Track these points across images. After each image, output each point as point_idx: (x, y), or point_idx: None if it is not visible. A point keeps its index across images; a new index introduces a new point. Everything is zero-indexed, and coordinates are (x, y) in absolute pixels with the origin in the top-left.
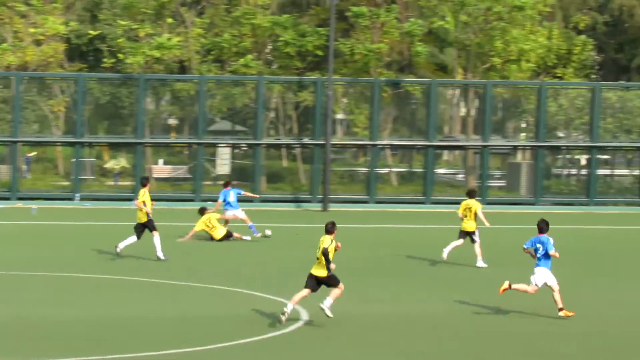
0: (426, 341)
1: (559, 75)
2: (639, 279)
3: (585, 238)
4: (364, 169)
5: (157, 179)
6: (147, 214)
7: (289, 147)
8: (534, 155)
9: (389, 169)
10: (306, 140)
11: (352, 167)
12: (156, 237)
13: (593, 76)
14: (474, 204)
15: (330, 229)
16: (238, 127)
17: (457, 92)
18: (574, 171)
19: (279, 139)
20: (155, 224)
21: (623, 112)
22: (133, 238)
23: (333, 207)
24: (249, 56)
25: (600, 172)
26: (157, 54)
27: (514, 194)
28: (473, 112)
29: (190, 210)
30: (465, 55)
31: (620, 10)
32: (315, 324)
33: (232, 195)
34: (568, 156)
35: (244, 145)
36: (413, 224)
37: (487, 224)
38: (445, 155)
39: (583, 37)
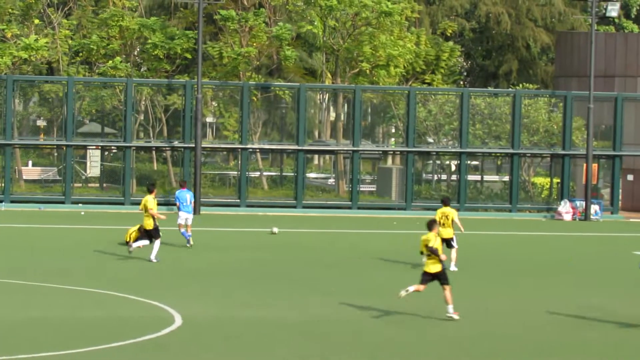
0: (296, 346)
1: (427, 81)
2: (506, 282)
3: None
4: (234, 173)
5: (27, 181)
6: (154, 221)
7: (159, 149)
8: (404, 160)
9: (259, 173)
10: (176, 143)
11: (223, 170)
12: (157, 243)
13: (461, 82)
14: (451, 212)
15: (431, 225)
16: (108, 130)
17: (327, 96)
18: (444, 177)
19: (149, 142)
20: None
21: (491, 119)
22: (146, 241)
23: (204, 211)
24: (118, 58)
25: (471, 177)
26: (24, 55)
27: (384, 198)
28: (343, 117)
29: (60, 212)
30: (334, 60)
31: (487, 17)
32: (189, 328)
33: (188, 197)
34: (438, 162)
35: (113, 147)
36: (286, 227)
37: (462, 230)
38: (316, 159)
39: (451, 43)
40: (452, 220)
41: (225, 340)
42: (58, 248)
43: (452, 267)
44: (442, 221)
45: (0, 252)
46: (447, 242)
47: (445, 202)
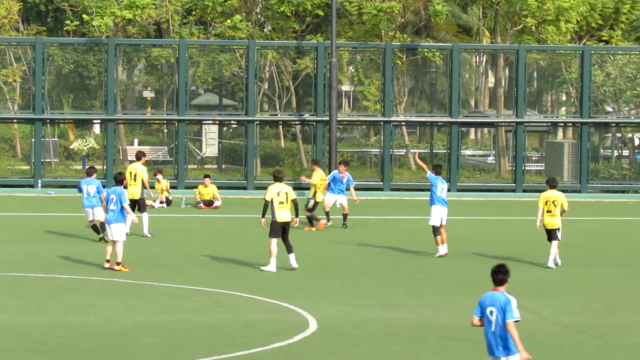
0: (448, 354)
1: (605, 38)
2: None
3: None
4: (376, 150)
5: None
6: (142, 193)
7: (286, 124)
8: (577, 133)
9: (406, 150)
10: (307, 116)
11: (363, 147)
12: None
13: None
14: (559, 197)
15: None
16: (226, 101)
17: (484, 58)
18: (625, 152)
19: (274, 115)
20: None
21: None
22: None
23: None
24: (237, 17)
25: None
26: (128, 14)
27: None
28: (504, 83)
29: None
30: (492, 15)
31: None
32: (324, 333)
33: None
34: (619, 135)
35: (233, 122)
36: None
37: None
38: (472, 133)
39: None
40: (561, 207)
41: (366, 347)
42: (166, 241)
43: (551, 263)
44: (547, 208)
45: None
46: (551, 234)
47: (552, 184)
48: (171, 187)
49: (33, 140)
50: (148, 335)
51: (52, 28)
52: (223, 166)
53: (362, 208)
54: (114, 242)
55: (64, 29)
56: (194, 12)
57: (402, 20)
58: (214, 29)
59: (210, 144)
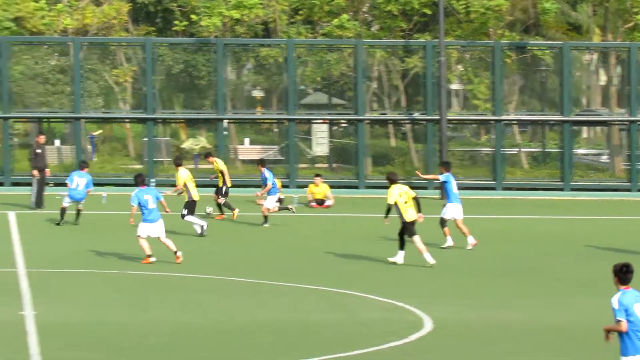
0: (569, 355)
1: None
2: None
3: None
4: (487, 149)
5: (244, 161)
6: (189, 194)
7: (396, 123)
8: None
9: (517, 149)
10: (417, 115)
11: (474, 146)
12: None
13: None
14: None
15: None
16: (336, 100)
17: (595, 56)
18: None
19: (384, 114)
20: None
21: None
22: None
23: None
24: (345, 16)
25: None
26: (236, 14)
27: None
28: (616, 81)
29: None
30: (602, 12)
31: None
32: (439, 333)
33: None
34: None
35: (343, 121)
36: (550, 214)
37: None
38: (585, 132)
39: None
40: None
41: (481, 347)
42: (278, 240)
43: None
44: None
45: (215, 244)
46: None
47: None
48: (282, 187)
49: (145, 139)
50: (263, 333)
51: (161, 28)
52: (334, 165)
53: (474, 208)
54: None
55: (173, 29)
56: (301, 12)
57: (511, 18)
58: (321, 29)
59: (320, 143)
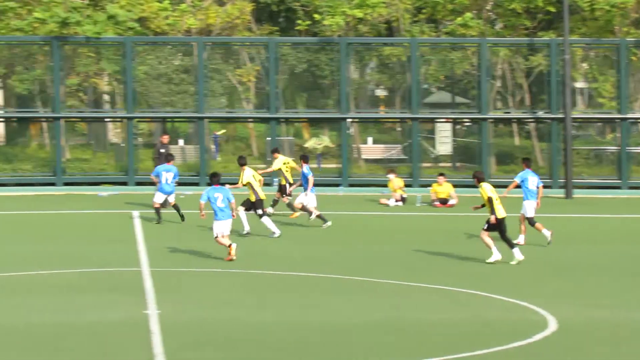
0: None
1: None
2: None
3: None
4: (613, 148)
5: (367, 160)
6: (256, 194)
7: (520, 121)
8: None
9: None
10: (541, 114)
11: (599, 145)
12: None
13: None
14: None
15: None
16: (459, 99)
17: None
18: None
19: (508, 113)
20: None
21: None
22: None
23: (577, 194)
24: (468, 14)
25: None
26: (359, 13)
27: None
28: None
29: (411, 197)
30: None
31: None
32: (564, 333)
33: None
34: None
35: (466, 120)
36: None
37: None
38: None
39: None
40: None
41: (607, 348)
42: (401, 239)
43: None
44: None
45: (343, 244)
46: None
47: None
48: (406, 186)
49: (268, 139)
50: (384, 332)
51: (284, 28)
52: (457, 164)
53: (598, 207)
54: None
55: (296, 28)
56: (424, 10)
57: (636, 15)
58: (444, 27)
59: (443, 142)
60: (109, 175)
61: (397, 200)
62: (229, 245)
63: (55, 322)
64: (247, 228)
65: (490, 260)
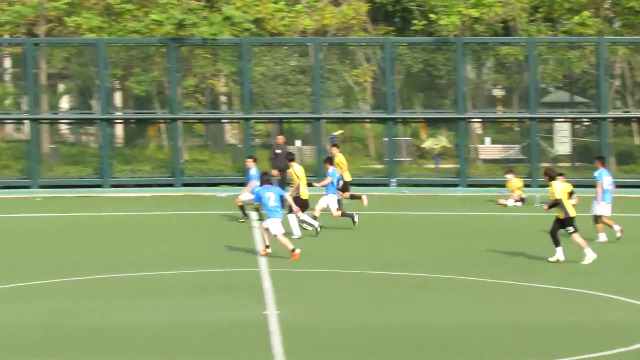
0: None
1: None
2: None
3: None
4: None
5: (485, 161)
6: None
7: None
8: None
9: None
10: None
11: None
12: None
13: None
14: None
15: None
16: (577, 99)
17: None
18: None
19: (627, 112)
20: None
21: None
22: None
23: None
24: (586, 13)
25: None
26: (475, 13)
27: None
28: None
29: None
30: None
31: None
32: None
33: None
34: None
35: (585, 119)
36: None
37: None
38: None
39: None
40: None
41: None
42: (519, 239)
43: None
44: None
45: (460, 244)
46: None
47: None
48: (525, 186)
49: (385, 139)
50: (505, 334)
51: (400, 28)
52: (576, 164)
53: None
54: (274, 235)
55: (411, 28)
56: (541, 9)
57: None
58: (561, 26)
59: (562, 142)
60: (226, 176)
61: (515, 201)
62: (286, 244)
63: (175, 322)
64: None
65: (586, 262)
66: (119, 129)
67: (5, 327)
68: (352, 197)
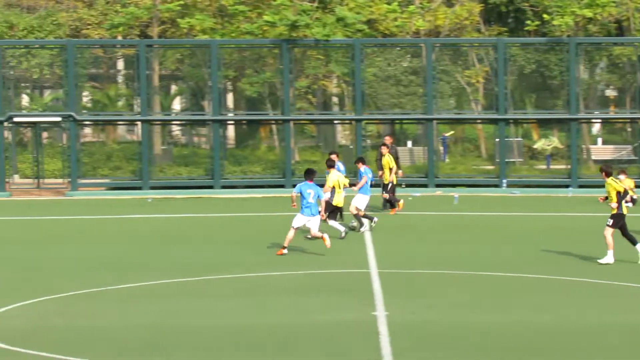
0: None
1: None
2: None
3: None
4: None
5: (597, 162)
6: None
7: None
8: None
9: None
10: None
11: None
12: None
13: None
14: None
15: None
16: None
17: None
18: None
19: None
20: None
21: None
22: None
23: None
24: None
25: None
26: (589, 13)
27: None
28: None
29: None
30: None
31: None
32: None
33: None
34: None
35: None
36: None
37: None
38: None
39: None
40: None
41: None
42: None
43: None
44: None
45: (566, 245)
46: None
47: None
48: (636, 187)
49: (497, 140)
50: (615, 335)
51: (513, 28)
52: None
53: None
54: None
55: (525, 29)
56: None
57: None
58: None
59: None
60: None
61: (626, 202)
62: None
63: (285, 323)
64: (342, 229)
65: (603, 261)
66: (231, 130)
67: (116, 329)
68: (389, 200)
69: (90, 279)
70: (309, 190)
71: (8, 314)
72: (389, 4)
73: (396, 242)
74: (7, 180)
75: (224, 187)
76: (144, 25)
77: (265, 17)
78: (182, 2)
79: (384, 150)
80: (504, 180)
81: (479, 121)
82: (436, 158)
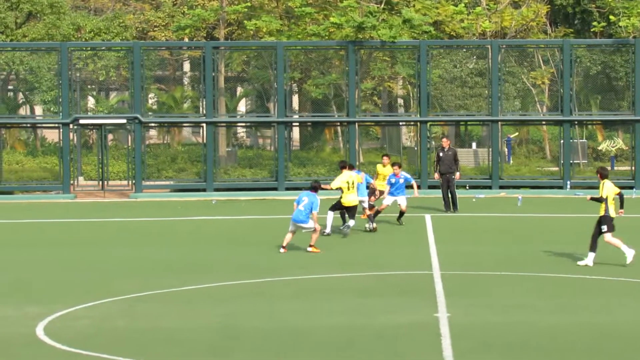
0: None
1: None
2: None
3: None
4: None
5: None
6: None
7: None
8: None
9: None
10: None
11: None
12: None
13: None
14: None
15: None
16: None
17: None
18: None
19: None
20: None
21: None
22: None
23: None
24: None
25: None
26: None
27: None
28: None
29: None
30: None
31: None
32: None
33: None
34: None
35: None
36: None
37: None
38: None
39: None
40: None
41: None
42: None
43: None
44: None
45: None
46: None
47: None
48: None
49: (562, 141)
50: None
51: (579, 30)
52: None
53: None
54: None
55: (591, 30)
56: None
57: None
58: None
59: None
60: None
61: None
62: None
63: (347, 325)
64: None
65: (629, 260)
66: (295, 132)
67: (178, 331)
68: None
69: (154, 280)
70: (304, 197)
71: (71, 315)
72: (455, 5)
73: (459, 243)
74: (72, 182)
75: (288, 188)
76: (210, 27)
77: (332, 19)
78: (248, 4)
79: (386, 160)
80: (568, 182)
81: (543, 123)
82: (500, 159)
